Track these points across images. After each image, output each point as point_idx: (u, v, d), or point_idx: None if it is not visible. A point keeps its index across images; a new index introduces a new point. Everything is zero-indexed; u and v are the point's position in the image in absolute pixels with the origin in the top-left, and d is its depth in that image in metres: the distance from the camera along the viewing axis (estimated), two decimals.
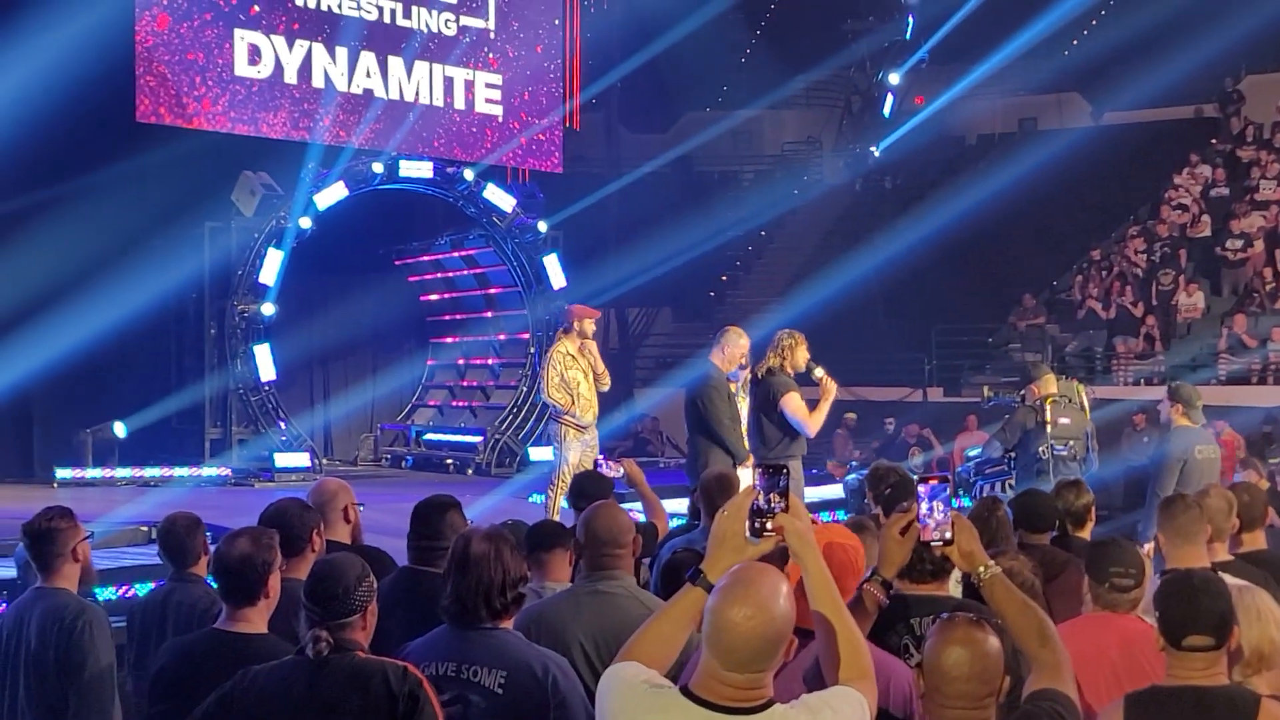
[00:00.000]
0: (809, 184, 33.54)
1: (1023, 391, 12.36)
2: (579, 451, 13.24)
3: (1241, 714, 4.26)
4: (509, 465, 20.51)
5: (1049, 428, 11.61)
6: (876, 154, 32.75)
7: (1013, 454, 12.36)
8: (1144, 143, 29.12)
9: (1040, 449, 11.64)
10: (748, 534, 3.93)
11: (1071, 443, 11.69)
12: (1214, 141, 29.10)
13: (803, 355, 11.60)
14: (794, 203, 32.39)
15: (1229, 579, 4.75)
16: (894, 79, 32.64)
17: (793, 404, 11.32)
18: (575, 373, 13.45)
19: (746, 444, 11.59)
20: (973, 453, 17.20)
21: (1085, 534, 7.74)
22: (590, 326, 13.77)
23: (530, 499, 15.67)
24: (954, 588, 5.16)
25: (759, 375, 11.74)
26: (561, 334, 13.84)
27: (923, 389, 25.92)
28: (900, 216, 28.79)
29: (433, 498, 6.29)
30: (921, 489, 4.49)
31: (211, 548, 5.89)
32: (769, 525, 3.91)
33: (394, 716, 4.21)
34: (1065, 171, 26.64)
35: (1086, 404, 12.32)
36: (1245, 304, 24.18)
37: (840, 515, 12.35)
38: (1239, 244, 25.40)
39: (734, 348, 11.82)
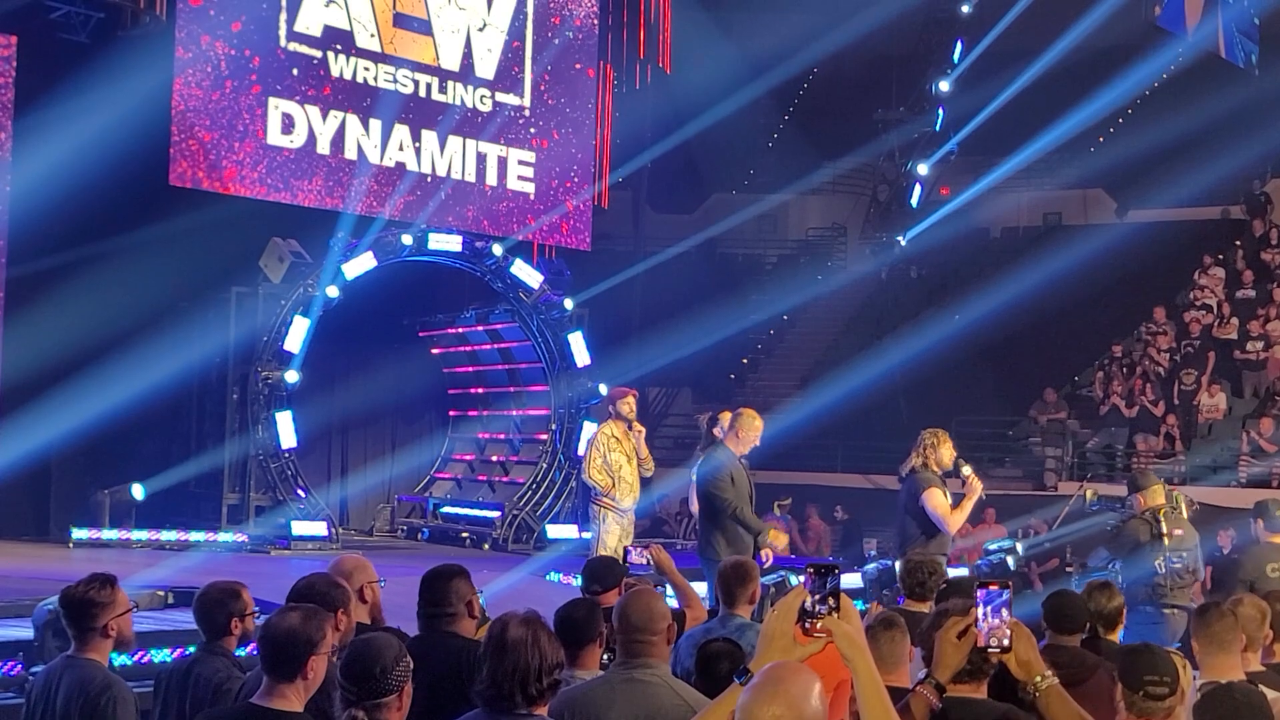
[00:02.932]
0: (833, 271, 33.63)
1: (1128, 500, 12.13)
2: (618, 535, 13.26)
3: None
4: (526, 542, 20.44)
5: (1166, 540, 11.23)
6: (902, 243, 32.82)
7: (1118, 565, 12.07)
8: (1169, 242, 29.14)
9: (1157, 562, 11.24)
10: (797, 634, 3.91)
11: (1185, 554, 11.31)
12: (1239, 243, 29.13)
13: (948, 452, 11.65)
14: (818, 289, 32.44)
15: (1270, 693, 4.70)
16: (922, 170, 32.79)
17: (934, 500, 11.34)
18: (618, 455, 13.49)
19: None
20: (992, 546, 17.14)
21: (1115, 637, 7.68)
22: (627, 407, 13.82)
23: (547, 577, 15.60)
24: None
25: (903, 475, 11.81)
26: (609, 418, 13.90)
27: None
28: (924, 307, 28.86)
29: (439, 566, 6.33)
30: (980, 593, 4.47)
31: (256, 619, 5.84)
32: (818, 626, 3.89)
33: None
34: (1089, 268, 26.66)
35: (1187, 514, 12.10)
36: (1268, 407, 24.12)
37: (859, 605, 12.27)
38: (1260, 346, 25.39)
39: (748, 430, 11.81)
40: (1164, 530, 11.25)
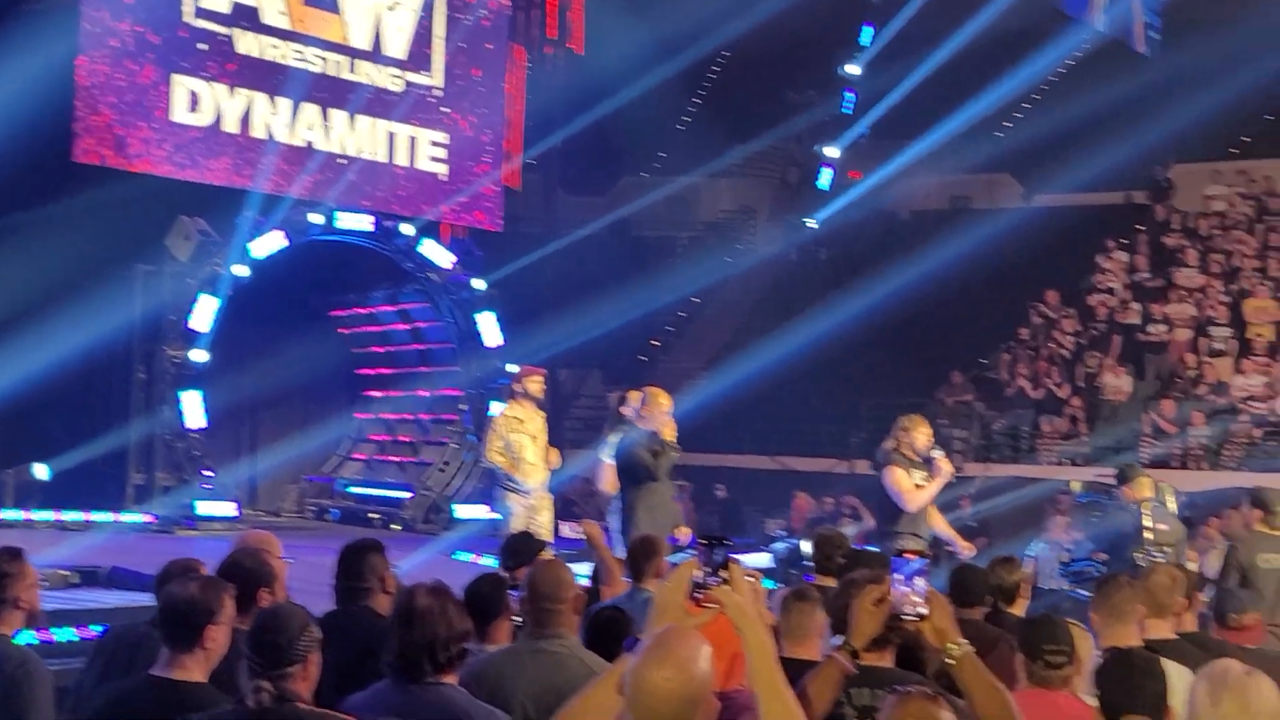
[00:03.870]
0: (743, 253, 33.72)
1: (1115, 492, 12.14)
2: (523, 518, 13.21)
3: None
4: (435, 522, 20.41)
5: (1149, 534, 11.25)
6: (812, 226, 32.96)
7: (1105, 556, 12.10)
8: (1074, 226, 29.44)
9: (1138, 555, 11.15)
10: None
11: (1168, 549, 11.24)
12: (1142, 228, 29.50)
13: (922, 437, 11.69)
14: (728, 271, 32.54)
15: (1234, 663, 4.78)
16: (831, 152, 32.93)
17: (893, 476, 11.43)
18: (520, 436, 13.45)
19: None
20: None
21: (1017, 610, 7.80)
22: (535, 386, 13.78)
23: (456, 556, 15.59)
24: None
25: (877, 459, 11.91)
26: (514, 398, 13.84)
27: (849, 461, 26.01)
28: (833, 289, 28.99)
29: (356, 540, 6.35)
30: (900, 563, 4.53)
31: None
32: (709, 597, 3.95)
33: None
34: (996, 251, 26.85)
35: (1175, 508, 12.13)
36: (1169, 389, 24.48)
37: (768, 584, 12.36)
38: (1162, 329, 25.76)
39: (654, 408, 11.88)
40: (1148, 524, 11.27)
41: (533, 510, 13.52)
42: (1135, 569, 10.66)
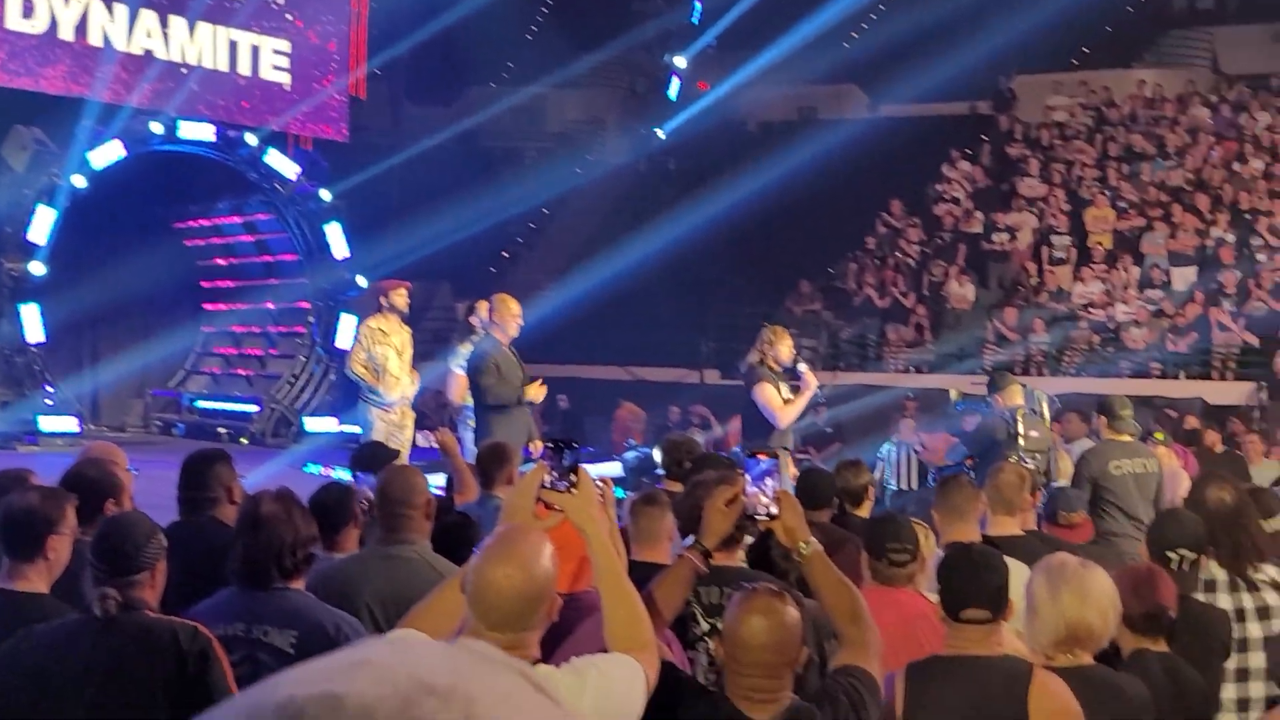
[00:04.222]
0: (592, 163, 33.64)
1: (988, 399, 12.21)
2: (384, 431, 13.11)
3: (1016, 682, 4.42)
4: (285, 435, 20.26)
5: (1021, 440, 11.30)
6: (660, 136, 32.97)
7: (973, 461, 12.19)
8: (919, 136, 29.76)
9: (1011, 461, 11.20)
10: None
11: (1039, 455, 11.37)
12: (985, 138, 29.92)
13: (786, 349, 11.65)
14: (577, 181, 32.45)
15: (1070, 557, 4.91)
16: (679, 62, 32.89)
17: (765, 394, 11.37)
18: (384, 349, 13.31)
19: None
20: None
21: (863, 512, 7.95)
22: (400, 300, 13.65)
23: (306, 469, 15.51)
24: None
25: (742, 371, 11.86)
26: (378, 311, 13.71)
27: (700, 370, 26.20)
28: (682, 199, 29.02)
29: (200, 450, 6.28)
30: (751, 464, 4.58)
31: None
32: (554, 503, 3.99)
33: (183, 677, 4.15)
34: (842, 161, 27.05)
35: (1048, 414, 12.25)
36: (1012, 297, 24.93)
37: (619, 493, 12.44)
38: (1005, 238, 26.19)
39: (504, 315, 11.84)
40: (1020, 431, 11.34)
41: (395, 427, 13.43)
42: None
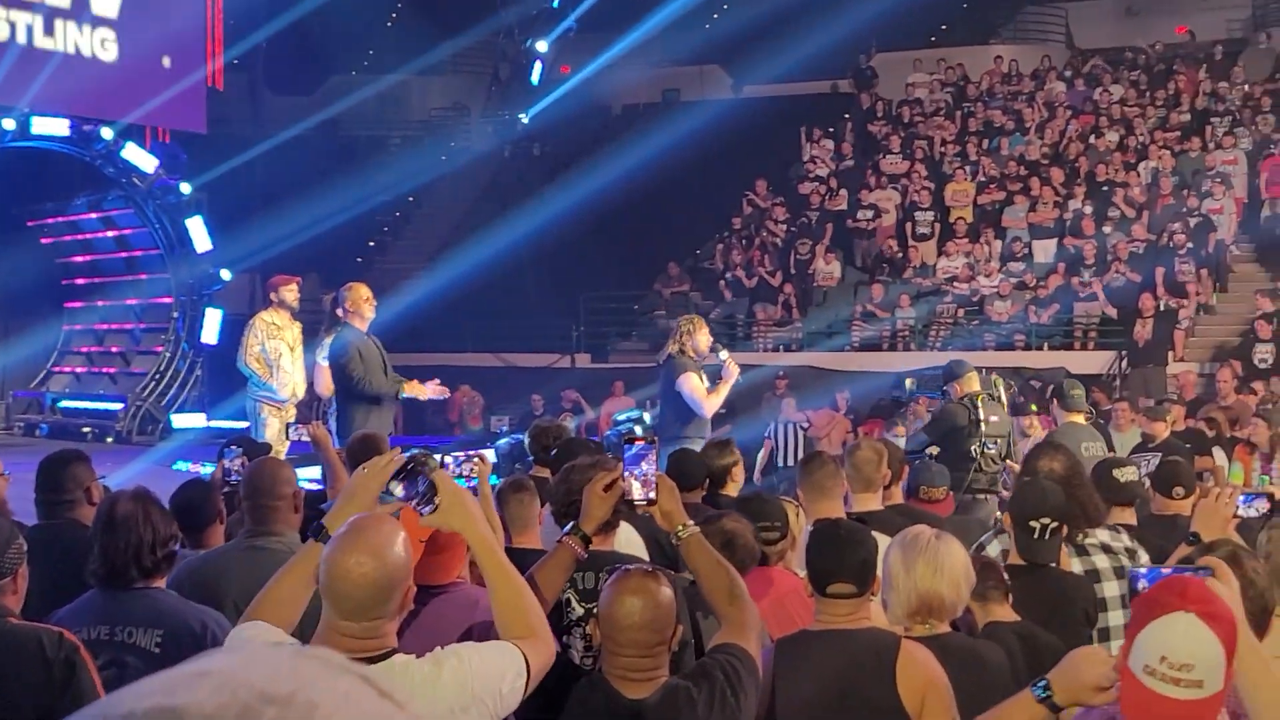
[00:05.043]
0: (457, 150, 33.51)
1: (945, 387, 12.23)
2: (277, 429, 12.90)
3: (884, 654, 4.47)
4: (151, 433, 19.98)
5: (982, 425, 11.22)
6: (525, 121, 32.88)
7: (935, 449, 12.17)
8: (782, 116, 29.96)
9: (972, 447, 11.16)
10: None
11: (999, 440, 11.34)
12: (847, 116, 30.18)
13: (704, 338, 11.61)
14: (442, 169, 32.27)
15: (924, 529, 4.98)
16: (541, 47, 32.80)
17: (690, 384, 11.33)
18: (277, 343, 13.09)
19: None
20: (620, 417, 17.50)
21: (731, 492, 8.00)
22: (290, 295, 13.44)
23: (174, 466, 15.31)
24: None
25: (660, 361, 11.78)
26: (269, 306, 13.48)
27: (571, 355, 26.22)
28: (548, 184, 29.03)
29: (56, 452, 6.18)
30: (628, 450, 4.59)
31: None
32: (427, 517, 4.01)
33: (50, 684, 4.08)
34: (707, 142, 27.18)
35: (1005, 398, 12.30)
36: (877, 273, 25.19)
37: (493, 480, 12.39)
38: (869, 215, 26.44)
39: (357, 301, 11.71)
40: (980, 416, 11.31)
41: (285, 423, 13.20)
42: (969, 460, 10.99)
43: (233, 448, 7.54)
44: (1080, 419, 11.18)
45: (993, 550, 6.30)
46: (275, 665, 1.21)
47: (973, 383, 11.72)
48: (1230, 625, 3.19)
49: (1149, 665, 3.17)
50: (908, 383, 17.06)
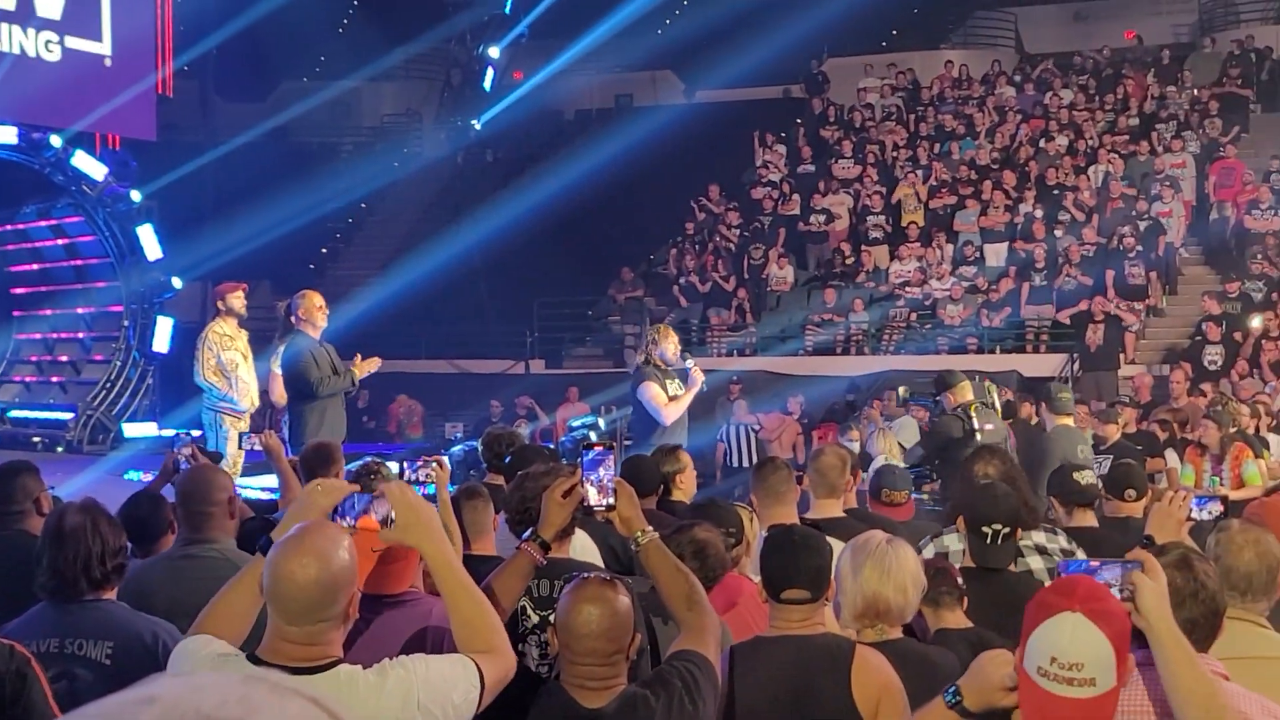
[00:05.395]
0: (409, 157, 33.46)
1: (938, 398, 12.15)
2: (238, 441, 12.77)
3: (839, 659, 4.49)
4: (103, 442, 19.82)
5: (978, 435, 11.10)
6: (477, 127, 32.86)
7: (933, 462, 12.05)
8: (734, 121, 30.02)
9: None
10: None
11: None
12: (799, 121, 30.27)
13: (671, 347, 11.56)
14: (394, 175, 32.24)
15: (877, 533, 4.99)
16: (494, 53, 32.81)
17: (649, 392, 11.31)
18: (233, 354, 12.93)
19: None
20: (575, 423, 17.54)
21: (683, 497, 8.00)
22: (238, 302, 13.30)
23: (126, 476, 15.21)
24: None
25: (632, 372, 11.78)
26: (218, 315, 13.31)
27: (525, 361, 26.18)
28: (501, 190, 29.03)
29: (5, 463, 6.15)
30: (586, 456, 4.58)
31: None
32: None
33: (1, 699, 4.05)
34: (660, 148, 27.20)
35: (999, 404, 12.19)
36: (830, 278, 25.25)
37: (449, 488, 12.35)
38: (821, 219, 26.50)
39: (310, 309, 11.66)
40: (975, 426, 11.28)
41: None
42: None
43: (181, 435, 7.52)
44: (1070, 421, 11.15)
45: (953, 545, 6.31)
46: (224, 691, 1.20)
47: (966, 392, 11.72)
48: (1121, 621, 3.26)
49: (1041, 666, 3.25)
50: (900, 390, 16.95)
